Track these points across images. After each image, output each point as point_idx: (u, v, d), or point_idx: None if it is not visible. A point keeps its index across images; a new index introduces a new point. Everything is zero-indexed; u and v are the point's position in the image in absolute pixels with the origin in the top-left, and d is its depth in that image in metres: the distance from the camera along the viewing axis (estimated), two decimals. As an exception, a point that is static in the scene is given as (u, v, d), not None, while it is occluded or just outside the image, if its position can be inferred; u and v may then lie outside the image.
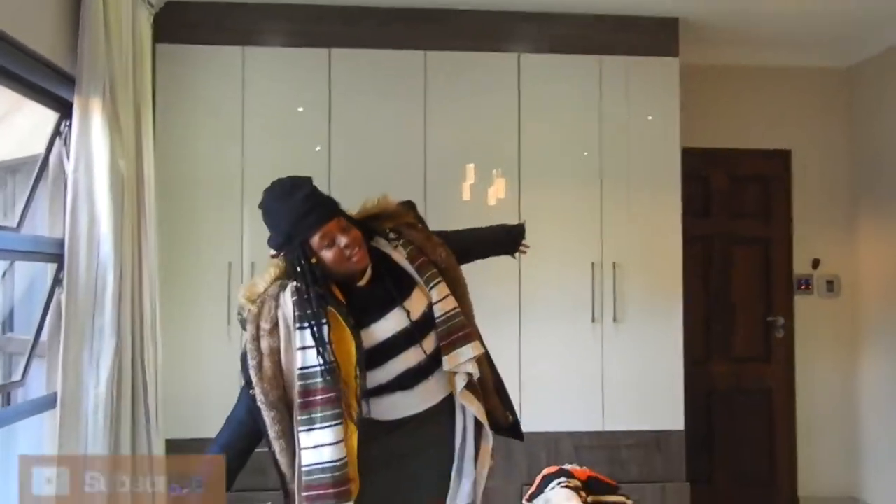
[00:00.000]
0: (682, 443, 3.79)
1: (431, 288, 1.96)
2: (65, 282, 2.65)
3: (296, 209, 1.83)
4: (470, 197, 3.76)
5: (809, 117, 4.63)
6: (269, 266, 1.94)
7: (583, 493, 2.00)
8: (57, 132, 2.97)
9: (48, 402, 2.74)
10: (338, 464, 1.79)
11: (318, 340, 1.80)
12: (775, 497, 4.52)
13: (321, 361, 1.79)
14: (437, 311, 1.95)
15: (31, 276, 3.09)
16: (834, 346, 4.58)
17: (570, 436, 3.74)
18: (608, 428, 3.75)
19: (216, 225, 3.68)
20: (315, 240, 1.83)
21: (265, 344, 1.83)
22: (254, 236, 3.64)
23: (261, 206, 1.90)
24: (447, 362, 1.93)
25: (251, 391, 1.84)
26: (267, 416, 1.82)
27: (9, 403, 2.72)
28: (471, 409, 1.97)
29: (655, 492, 3.72)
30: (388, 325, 1.92)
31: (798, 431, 4.55)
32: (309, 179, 1.91)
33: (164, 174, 3.58)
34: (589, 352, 3.76)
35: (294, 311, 1.83)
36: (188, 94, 3.70)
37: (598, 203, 3.83)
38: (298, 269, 1.83)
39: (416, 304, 1.97)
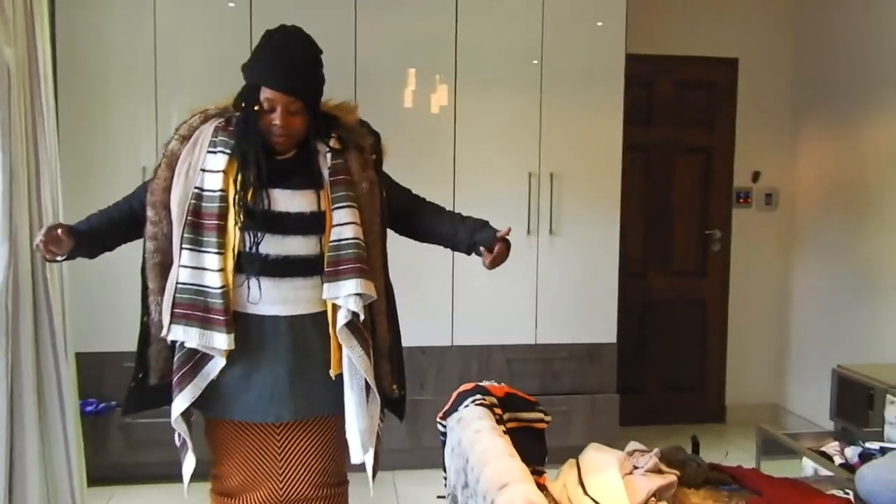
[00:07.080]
0: (615, 355, 3.78)
1: (336, 208, 1.87)
2: (-55, 184, 2.40)
3: (273, 59, 1.85)
4: (411, 104, 3.57)
5: (758, 27, 4.50)
6: (229, 96, 1.94)
7: (498, 410, 1.93)
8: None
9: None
10: (215, 291, 1.79)
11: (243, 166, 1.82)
12: (703, 405, 4.62)
13: (220, 187, 1.82)
14: (334, 234, 1.85)
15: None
16: (768, 260, 4.61)
17: (503, 349, 3.69)
18: (541, 341, 3.71)
19: (128, 125, 3.40)
20: (264, 94, 1.84)
21: (172, 145, 1.90)
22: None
23: (264, 33, 1.92)
24: (326, 290, 1.83)
25: (149, 186, 1.91)
26: (149, 212, 1.88)
27: None
28: (350, 352, 1.84)
29: (586, 402, 3.73)
30: (293, 201, 1.86)
31: (729, 343, 4.62)
32: (312, 49, 1.89)
33: (67, 67, 3.30)
34: (524, 264, 3.66)
35: (212, 135, 1.88)
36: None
37: (538, 110, 3.66)
38: (243, 104, 1.87)
39: (324, 201, 1.89)
